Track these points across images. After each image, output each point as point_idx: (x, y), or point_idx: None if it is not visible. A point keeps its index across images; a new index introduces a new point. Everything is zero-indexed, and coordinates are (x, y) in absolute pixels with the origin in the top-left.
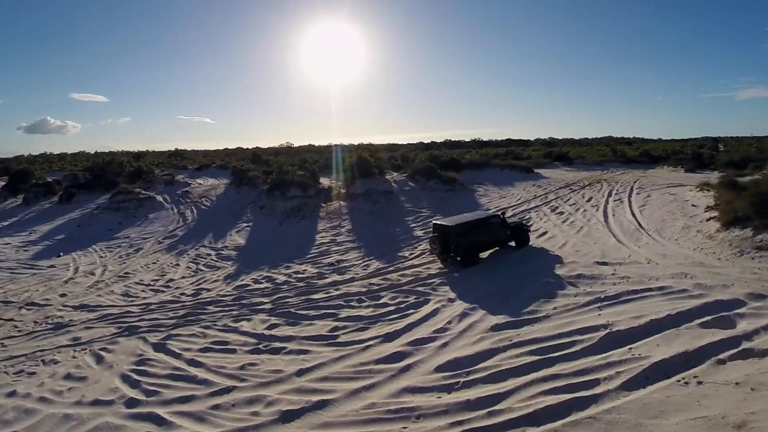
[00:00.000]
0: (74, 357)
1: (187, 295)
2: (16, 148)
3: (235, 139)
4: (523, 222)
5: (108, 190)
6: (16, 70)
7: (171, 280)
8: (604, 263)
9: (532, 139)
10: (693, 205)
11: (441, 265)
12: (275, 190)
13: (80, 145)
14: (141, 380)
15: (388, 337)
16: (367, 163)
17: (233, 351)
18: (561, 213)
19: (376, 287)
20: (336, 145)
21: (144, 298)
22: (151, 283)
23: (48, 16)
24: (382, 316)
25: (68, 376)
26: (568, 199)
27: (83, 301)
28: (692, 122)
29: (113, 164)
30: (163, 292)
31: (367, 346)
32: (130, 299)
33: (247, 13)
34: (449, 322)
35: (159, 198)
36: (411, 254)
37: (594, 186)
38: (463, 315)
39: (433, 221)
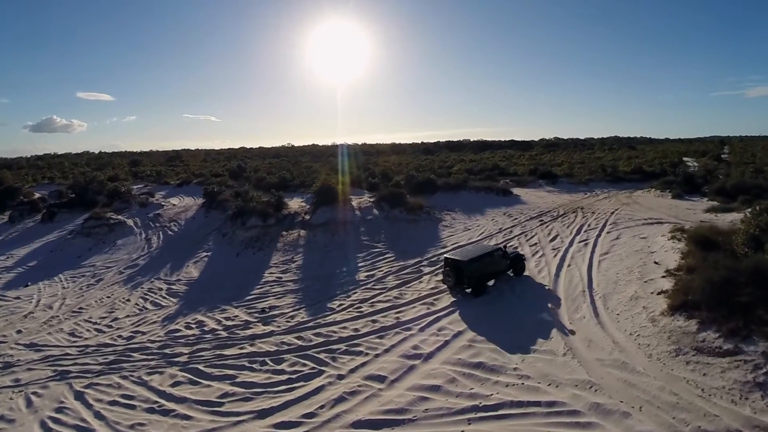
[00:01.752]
0: (11, 399)
1: (123, 338)
2: (23, 147)
3: (240, 137)
4: (520, 252)
5: (88, 210)
6: (22, 70)
7: (116, 318)
8: (515, 348)
9: (536, 139)
10: (656, 263)
11: (356, 327)
12: (237, 218)
13: (86, 144)
14: (53, 428)
15: (262, 414)
16: (331, 188)
17: (133, 407)
18: None
19: (285, 347)
20: (340, 145)
21: (86, 338)
22: (98, 321)
23: (53, 16)
24: (272, 386)
25: (1, 418)
26: (532, 236)
27: (33, 339)
28: (701, 121)
29: (94, 182)
30: (104, 332)
31: (239, 421)
32: (74, 339)
33: (253, 12)
34: (322, 407)
35: (129, 222)
36: (340, 306)
37: (567, 217)
38: (338, 400)
39: (445, 256)
